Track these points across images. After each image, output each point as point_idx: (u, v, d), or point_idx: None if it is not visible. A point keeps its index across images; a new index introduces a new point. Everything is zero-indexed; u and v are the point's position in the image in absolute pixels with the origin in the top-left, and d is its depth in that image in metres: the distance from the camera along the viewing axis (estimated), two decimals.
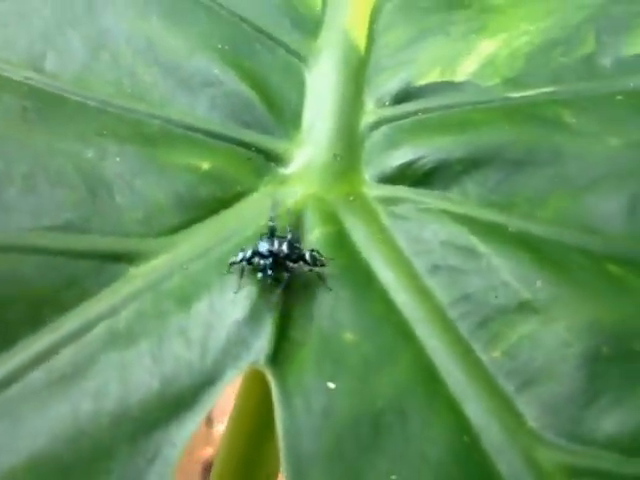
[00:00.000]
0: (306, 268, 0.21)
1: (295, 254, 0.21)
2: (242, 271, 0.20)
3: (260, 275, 0.20)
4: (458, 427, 0.18)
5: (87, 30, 0.25)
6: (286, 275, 0.20)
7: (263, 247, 0.21)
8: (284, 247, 0.21)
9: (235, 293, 0.20)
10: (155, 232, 0.21)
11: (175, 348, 0.19)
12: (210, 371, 0.18)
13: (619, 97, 0.24)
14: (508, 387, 0.19)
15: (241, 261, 0.20)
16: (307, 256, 0.21)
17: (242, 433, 0.24)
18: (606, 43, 0.25)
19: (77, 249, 0.20)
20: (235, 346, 0.19)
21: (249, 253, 0.21)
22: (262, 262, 0.20)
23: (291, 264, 0.21)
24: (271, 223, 0.21)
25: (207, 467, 0.51)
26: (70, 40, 0.25)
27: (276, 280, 0.20)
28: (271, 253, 0.20)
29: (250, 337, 0.19)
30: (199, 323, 0.19)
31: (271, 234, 0.21)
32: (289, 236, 0.21)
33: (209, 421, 0.53)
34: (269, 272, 0.20)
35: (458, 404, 0.18)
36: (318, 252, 0.21)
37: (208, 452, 0.52)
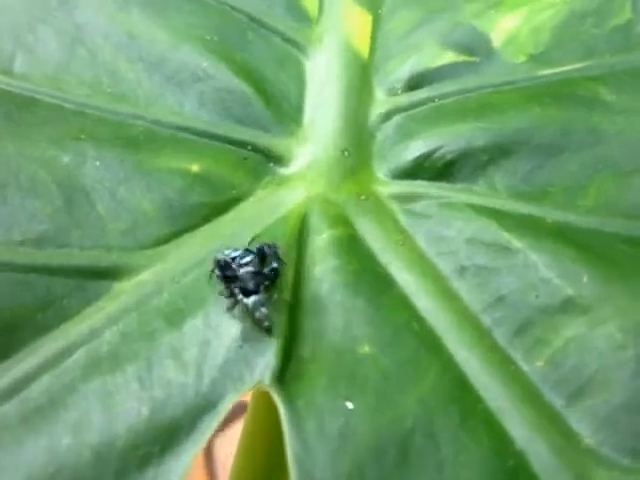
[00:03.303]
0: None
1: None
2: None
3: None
4: (500, 450, 0.17)
5: (61, 25, 0.25)
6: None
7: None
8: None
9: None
10: (141, 244, 0.21)
11: (166, 371, 0.18)
12: (207, 394, 0.18)
13: None
14: (556, 400, 0.18)
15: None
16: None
17: (249, 471, 0.23)
18: None
19: (54, 265, 0.20)
20: (235, 365, 0.18)
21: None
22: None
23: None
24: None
25: None
26: (42, 37, 0.25)
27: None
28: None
29: (252, 355, 0.18)
30: (193, 342, 0.19)
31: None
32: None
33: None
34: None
35: (498, 423, 0.18)
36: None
37: None
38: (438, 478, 0.16)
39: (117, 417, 0.17)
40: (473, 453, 0.17)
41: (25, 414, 0.18)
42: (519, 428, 0.18)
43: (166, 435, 0.17)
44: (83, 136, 0.23)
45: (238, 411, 0.27)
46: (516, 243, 0.21)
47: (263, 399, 0.24)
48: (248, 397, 0.26)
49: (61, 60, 0.25)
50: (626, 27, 0.25)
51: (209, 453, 0.53)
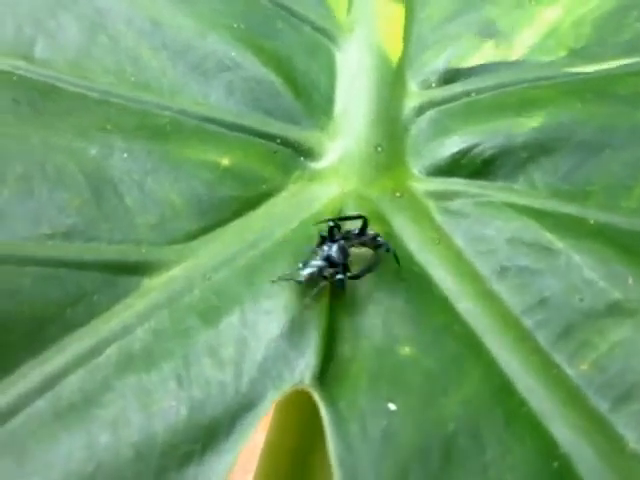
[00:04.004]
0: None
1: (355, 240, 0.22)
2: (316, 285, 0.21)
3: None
4: (544, 452, 0.18)
5: (82, 10, 0.26)
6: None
7: (336, 253, 0.21)
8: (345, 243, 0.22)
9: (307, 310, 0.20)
10: (171, 238, 0.22)
11: (204, 369, 0.19)
12: (247, 393, 0.19)
13: None
14: (601, 404, 0.19)
15: (316, 274, 0.21)
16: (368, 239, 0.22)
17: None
18: None
19: (83, 259, 0.21)
20: (275, 364, 0.19)
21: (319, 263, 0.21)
22: (332, 270, 0.21)
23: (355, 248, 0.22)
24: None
25: None
26: (63, 23, 0.26)
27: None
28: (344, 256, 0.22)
29: (292, 353, 0.20)
30: (230, 340, 0.20)
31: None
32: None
33: None
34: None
35: (543, 425, 0.19)
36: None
37: None
38: None
39: (156, 415, 0.18)
40: (518, 455, 0.18)
41: (59, 411, 0.19)
42: (563, 431, 0.19)
43: (206, 434, 0.18)
44: (109, 126, 0.24)
45: None
46: (558, 244, 0.22)
47: (291, 404, 0.25)
48: None
49: (82, 47, 0.26)
50: None
51: None
